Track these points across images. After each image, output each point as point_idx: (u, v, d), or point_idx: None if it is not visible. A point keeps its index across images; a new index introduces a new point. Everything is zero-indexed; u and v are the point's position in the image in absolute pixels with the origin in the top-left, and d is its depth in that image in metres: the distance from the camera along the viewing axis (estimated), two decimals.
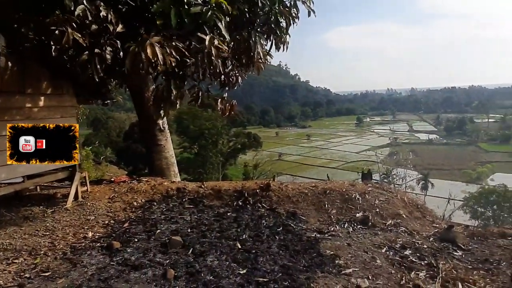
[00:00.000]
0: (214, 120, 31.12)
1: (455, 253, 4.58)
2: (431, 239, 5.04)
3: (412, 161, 59.06)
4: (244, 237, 4.57)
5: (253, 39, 3.51)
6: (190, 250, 4.15)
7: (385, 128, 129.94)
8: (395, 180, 46.14)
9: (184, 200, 5.89)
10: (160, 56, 3.15)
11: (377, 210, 5.84)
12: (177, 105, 4.26)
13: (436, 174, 54.71)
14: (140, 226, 4.96)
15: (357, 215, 5.56)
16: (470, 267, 4.19)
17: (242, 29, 3.67)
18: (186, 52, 3.24)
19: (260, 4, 3.53)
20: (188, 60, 3.43)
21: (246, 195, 5.88)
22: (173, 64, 3.22)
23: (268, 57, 5.20)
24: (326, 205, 5.78)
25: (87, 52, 3.47)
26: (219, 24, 3.04)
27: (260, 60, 4.50)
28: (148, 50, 3.15)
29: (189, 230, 4.77)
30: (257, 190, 6.00)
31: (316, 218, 5.44)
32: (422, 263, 4.13)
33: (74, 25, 3.43)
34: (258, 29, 3.82)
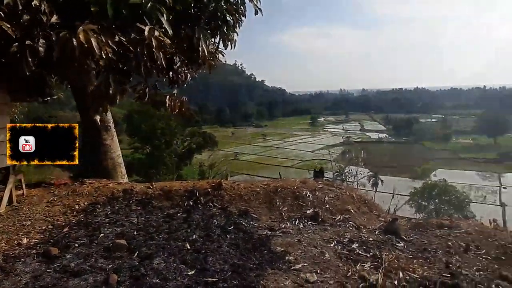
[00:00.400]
0: (167, 119, 30.33)
1: (397, 244, 4.82)
2: (376, 232, 5.27)
3: (363, 159, 61.89)
4: (194, 237, 4.46)
5: (197, 35, 3.41)
6: (136, 254, 3.97)
7: (339, 128, 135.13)
8: (347, 177, 48.17)
9: (131, 202, 5.64)
10: (94, 44, 2.95)
11: (327, 206, 5.99)
12: (117, 101, 4.04)
13: (385, 171, 57.77)
14: (82, 230, 4.67)
15: (308, 211, 5.66)
16: (411, 256, 4.42)
17: (187, 25, 3.57)
18: (126, 44, 3.08)
19: (205, 0, 3.44)
20: (130, 54, 3.27)
21: (197, 195, 5.75)
22: (110, 55, 3.04)
23: (220, 55, 5.12)
24: (278, 203, 5.82)
25: (16, 44, 3.18)
26: (161, 17, 2.92)
27: (210, 58, 4.42)
28: (81, 36, 2.94)
29: (135, 233, 4.57)
30: (209, 190, 5.91)
31: (267, 216, 5.46)
32: (368, 255, 4.29)
33: (2, 14, 3.13)
34: (204, 26, 3.74)
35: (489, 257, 4.77)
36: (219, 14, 3.66)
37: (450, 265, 4.12)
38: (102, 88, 3.76)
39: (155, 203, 5.63)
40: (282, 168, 66.93)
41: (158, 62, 2.99)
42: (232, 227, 4.84)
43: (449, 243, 5.04)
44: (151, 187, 6.08)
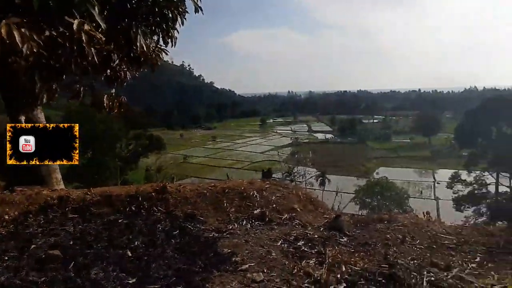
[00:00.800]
0: (109, 121, 28.80)
1: (341, 240, 5.00)
2: (321, 229, 5.42)
3: (311, 159, 63.95)
4: (136, 244, 4.25)
5: (134, 30, 3.24)
6: (71, 264, 3.68)
7: (287, 129, 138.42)
8: (296, 177, 49.47)
9: (67, 209, 5.23)
10: (18, 38, 2.66)
11: (274, 205, 6.05)
12: (44, 99, 3.72)
13: (332, 171, 60.18)
14: (11, 242, 4.23)
15: (255, 212, 5.67)
16: (353, 250, 4.61)
17: (123, 20, 3.38)
18: (56, 39, 2.82)
19: None
20: (59, 50, 3.01)
21: (140, 199, 5.49)
22: (35, 50, 2.77)
23: (163, 53, 4.94)
24: (225, 204, 5.76)
25: None
26: (92, 10, 2.72)
27: (150, 54, 4.23)
28: (2, 30, 2.65)
29: (71, 243, 4.24)
30: (153, 194, 5.67)
31: (214, 217, 5.38)
32: (313, 252, 4.40)
33: None
34: (142, 22, 3.57)
35: (422, 247, 5.14)
36: (157, 9, 3.51)
37: (388, 256, 4.36)
38: (27, 86, 3.42)
39: (94, 210, 5.28)
40: (233, 170, 66.96)
41: (90, 59, 2.77)
42: (178, 231, 4.69)
43: (388, 235, 5.34)
44: (89, 193, 5.70)
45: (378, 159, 77.50)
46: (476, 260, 4.80)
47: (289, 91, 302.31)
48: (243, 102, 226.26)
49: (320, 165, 61.95)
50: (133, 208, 5.32)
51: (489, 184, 37.45)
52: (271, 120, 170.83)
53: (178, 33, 3.89)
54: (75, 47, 2.76)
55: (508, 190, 36.52)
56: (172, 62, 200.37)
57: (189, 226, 4.90)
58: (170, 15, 3.60)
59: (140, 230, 4.68)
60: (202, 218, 5.23)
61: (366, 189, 39.95)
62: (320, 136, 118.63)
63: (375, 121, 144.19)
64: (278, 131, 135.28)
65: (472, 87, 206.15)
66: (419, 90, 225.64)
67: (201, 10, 3.75)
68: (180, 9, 3.62)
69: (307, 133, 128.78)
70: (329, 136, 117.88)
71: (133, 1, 3.37)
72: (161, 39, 3.92)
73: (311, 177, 54.39)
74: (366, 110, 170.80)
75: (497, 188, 37.30)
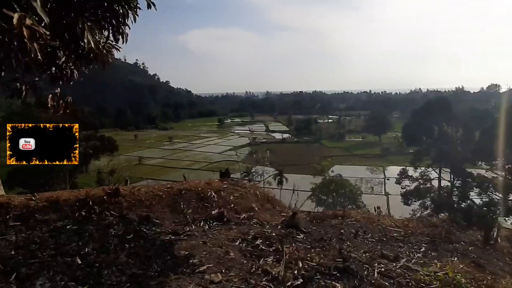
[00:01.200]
0: (56, 123, 26.99)
1: (297, 237, 5.11)
2: (279, 227, 5.50)
3: (269, 159, 64.65)
4: (86, 250, 4.03)
5: (80, 25, 3.05)
6: (13, 276, 3.41)
7: (245, 129, 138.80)
8: (254, 177, 49.76)
9: (8, 217, 4.84)
10: None
11: (232, 205, 6.05)
12: None
13: (289, 169, 61.17)
14: None
15: (213, 212, 5.63)
16: (309, 246, 4.73)
17: (69, 14, 3.17)
18: None
19: None
20: None
21: (91, 203, 5.22)
22: None
23: (114, 50, 4.71)
24: (182, 206, 5.67)
25: None
26: (34, 3, 2.52)
27: (98, 51, 4.00)
28: None
29: (13, 252, 3.93)
30: (105, 197, 5.41)
31: (171, 220, 5.26)
32: (271, 250, 4.45)
33: None
34: (90, 16, 3.37)
35: (373, 240, 5.41)
36: (106, 3, 3.33)
37: (342, 251, 4.52)
38: None
39: (39, 216, 4.93)
40: (191, 171, 65.92)
41: (33, 55, 2.56)
42: (132, 235, 4.52)
43: (342, 231, 5.55)
44: (33, 198, 5.32)
45: (333, 157, 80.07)
46: (422, 250, 5.14)
47: (246, 91, 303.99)
48: (200, 102, 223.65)
49: (277, 164, 62.82)
50: (83, 213, 5.04)
51: (433, 179, 40.27)
52: (229, 120, 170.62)
53: (130, 29, 3.74)
54: (15, 43, 2.54)
55: (449, 184, 39.47)
56: (125, 60, 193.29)
57: (144, 230, 4.74)
58: (121, 10, 3.44)
59: (91, 235, 4.46)
60: (157, 221, 5.10)
61: (322, 186, 41.16)
62: (277, 135, 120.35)
63: (329, 120, 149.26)
64: (236, 131, 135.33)
65: (417, 89, 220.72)
66: (370, 91, 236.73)
67: (154, 5, 3.63)
68: (132, 5, 3.47)
69: (264, 133, 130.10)
70: (286, 135, 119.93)
71: None
72: (111, 35, 3.74)
73: (269, 176, 55.02)
74: (321, 110, 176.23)
75: (439, 183, 40.20)
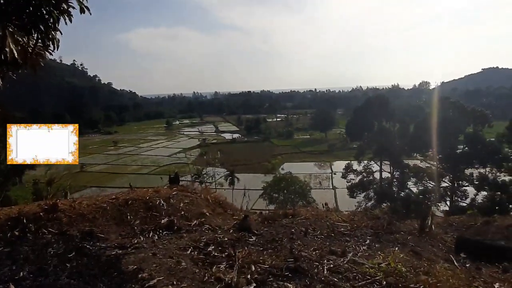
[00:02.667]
0: None
1: (250, 240, 5.13)
2: (231, 231, 5.48)
3: (220, 160, 64.31)
4: (22, 275, 3.67)
5: (1, 32, 2.75)
6: None
7: (194, 130, 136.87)
8: (205, 179, 49.17)
9: None
10: None
11: (182, 212, 5.91)
12: None
13: (241, 169, 61.41)
14: None
15: (162, 221, 5.45)
16: (262, 249, 4.77)
17: None
18: None
19: None
20: None
21: (25, 221, 4.78)
22: None
23: (46, 53, 4.34)
24: (129, 217, 5.41)
25: None
26: None
27: (32, 56, 3.66)
28: None
29: None
30: (41, 214, 4.99)
31: (117, 233, 5.00)
32: (223, 255, 4.41)
33: None
34: (15, 22, 3.05)
35: (323, 236, 5.60)
36: (31, 8, 3.03)
37: (293, 250, 4.62)
38: None
39: None
40: (138, 176, 63.44)
41: None
42: (73, 253, 4.21)
43: (293, 230, 5.68)
44: None
45: (283, 155, 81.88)
46: (366, 243, 5.43)
47: (194, 92, 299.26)
48: (146, 104, 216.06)
49: (228, 165, 62.77)
50: (16, 233, 4.60)
51: (375, 171, 42.79)
52: (177, 122, 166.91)
53: (62, 34, 3.44)
54: None
55: (390, 175, 42.23)
56: (61, 61, 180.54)
57: (87, 246, 4.45)
58: (49, 15, 3.15)
59: (26, 257, 4.08)
60: (102, 235, 4.81)
61: (273, 184, 41.83)
62: (227, 136, 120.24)
63: (278, 119, 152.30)
64: (185, 132, 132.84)
65: (358, 87, 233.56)
66: (315, 89, 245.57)
67: (88, 10, 3.38)
68: (63, 8, 3.20)
69: (214, 133, 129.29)
70: (236, 135, 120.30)
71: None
72: (40, 41, 3.42)
73: (221, 177, 54.76)
74: (269, 109, 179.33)
75: (381, 175, 42.81)
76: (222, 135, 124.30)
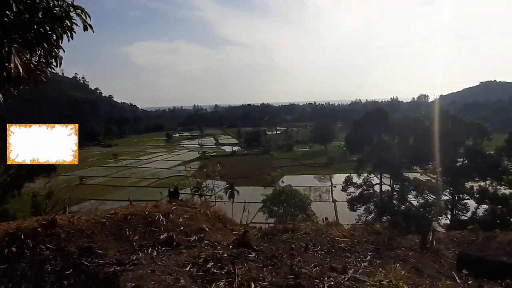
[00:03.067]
0: None
1: (249, 256, 5.08)
2: (230, 247, 5.43)
3: (219, 172, 64.03)
4: None
5: (7, 48, 2.78)
6: None
7: (194, 143, 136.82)
8: (205, 192, 48.92)
9: None
10: None
11: (182, 228, 5.88)
12: None
13: (240, 182, 61.07)
14: None
15: (161, 237, 5.42)
16: (261, 265, 4.72)
17: None
18: None
19: (15, 9, 2.83)
20: None
21: (23, 237, 4.74)
22: None
23: (49, 69, 4.38)
24: (128, 232, 5.37)
25: None
26: None
27: (34, 72, 3.70)
28: None
29: None
30: (39, 229, 4.95)
31: (115, 249, 4.95)
32: (222, 272, 4.37)
33: None
34: (18, 39, 3.09)
35: (323, 252, 5.55)
36: (36, 25, 3.08)
37: (293, 267, 4.58)
38: None
39: None
40: (138, 188, 63.15)
41: None
42: (71, 270, 4.18)
43: (293, 245, 5.62)
44: None
45: (282, 168, 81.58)
46: (367, 259, 5.37)
47: (194, 105, 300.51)
48: (147, 117, 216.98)
49: (228, 177, 62.48)
50: (14, 249, 4.56)
51: (375, 184, 42.55)
52: (177, 135, 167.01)
53: (64, 51, 3.49)
54: None
55: (390, 188, 42.01)
56: (63, 74, 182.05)
57: (85, 262, 4.41)
58: (53, 33, 3.20)
59: (24, 274, 4.04)
60: (101, 251, 4.77)
61: (273, 198, 41.52)
62: (227, 148, 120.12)
63: (277, 132, 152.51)
64: (185, 145, 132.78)
65: (357, 100, 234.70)
66: (314, 102, 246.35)
67: (91, 28, 3.44)
68: (66, 27, 3.25)
69: (214, 146, 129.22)
70: (236, 148, 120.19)
71: (6, 17, 2.89)
72: (43, 59, 3.47)
73: (220, 190, 54.48)
74: (269, 122, 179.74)
75: (381, 188, 42.57)
76: (222, 147, 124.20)
